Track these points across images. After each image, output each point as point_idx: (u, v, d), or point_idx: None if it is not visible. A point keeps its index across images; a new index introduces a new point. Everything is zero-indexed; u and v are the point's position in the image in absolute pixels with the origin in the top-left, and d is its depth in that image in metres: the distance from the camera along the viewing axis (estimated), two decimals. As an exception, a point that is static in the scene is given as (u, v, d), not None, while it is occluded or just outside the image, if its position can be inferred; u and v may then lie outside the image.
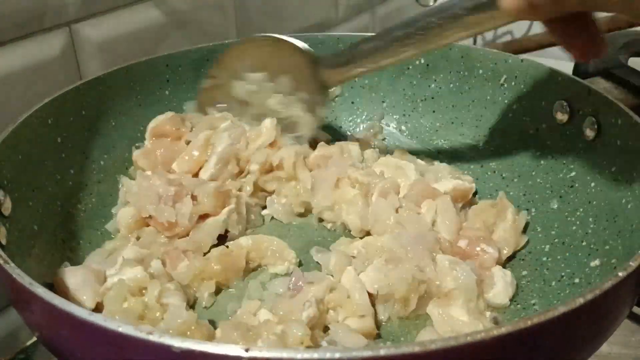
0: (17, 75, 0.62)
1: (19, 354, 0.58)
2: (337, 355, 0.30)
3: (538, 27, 1.16)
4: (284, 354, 0.31)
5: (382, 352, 0.30)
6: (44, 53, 0.64)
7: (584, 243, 0.54)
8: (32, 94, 0.63)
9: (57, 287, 0.49)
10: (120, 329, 0.32)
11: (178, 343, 0.31)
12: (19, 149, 0.53)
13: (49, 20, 0.64)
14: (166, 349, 0.31)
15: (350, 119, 0.76)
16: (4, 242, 0.45)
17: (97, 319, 0.33)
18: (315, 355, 0.30)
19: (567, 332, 0.35)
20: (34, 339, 0.60)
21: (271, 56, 0.66)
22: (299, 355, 0.30)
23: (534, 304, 0.53)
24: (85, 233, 0.59)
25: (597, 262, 0.52)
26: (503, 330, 0.32)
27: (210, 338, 0.45)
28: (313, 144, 0.67)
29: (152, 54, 0.69)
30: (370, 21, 1.15)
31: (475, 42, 1.26)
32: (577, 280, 0.52)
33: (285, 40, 0.65)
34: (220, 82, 0.68)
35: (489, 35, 1.28)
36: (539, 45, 0.95)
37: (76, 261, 0.55)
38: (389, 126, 0.75)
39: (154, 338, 0.31)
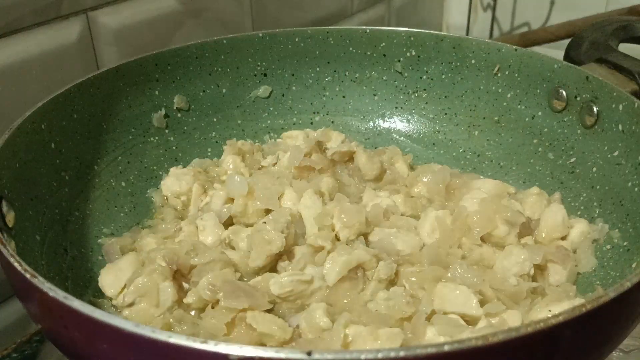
0: (35, 62, 0.62)
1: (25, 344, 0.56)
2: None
3: (556, 19, 1.12)
4: (347, 356, 0.30)
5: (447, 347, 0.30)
6: (61, 40, 0.65)
7: (591, 227, 0.55)
8: (49, 81, 0.63)
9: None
10: (171, 340, 0.31)
11: (236, 351, 0.30)
12: (16, 156, 0.50)
13: (66, 8, 0.65)
14: (222, 358, 0.30)
15: (342, 112, 0.75)
16: (15, 256, 0.43)
17: (145, 330, 0.31)
18: (380, 356, 0.30)
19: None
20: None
21: None
22: (362, 356, 0.30)
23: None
24: (85, 241, 0.56)
25: (608, 246, 0.53)
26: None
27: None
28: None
29: (168, 43, 0.68)
30: (386, 12, 1.14)
31: (492, 33, 1.24)
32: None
33: None
34: None
35: (506, 26, 1.24)
36: (555, 36, 0.94)
37: (77, 272, 0.53)
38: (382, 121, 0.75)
39: (209, 347, 0.30)
